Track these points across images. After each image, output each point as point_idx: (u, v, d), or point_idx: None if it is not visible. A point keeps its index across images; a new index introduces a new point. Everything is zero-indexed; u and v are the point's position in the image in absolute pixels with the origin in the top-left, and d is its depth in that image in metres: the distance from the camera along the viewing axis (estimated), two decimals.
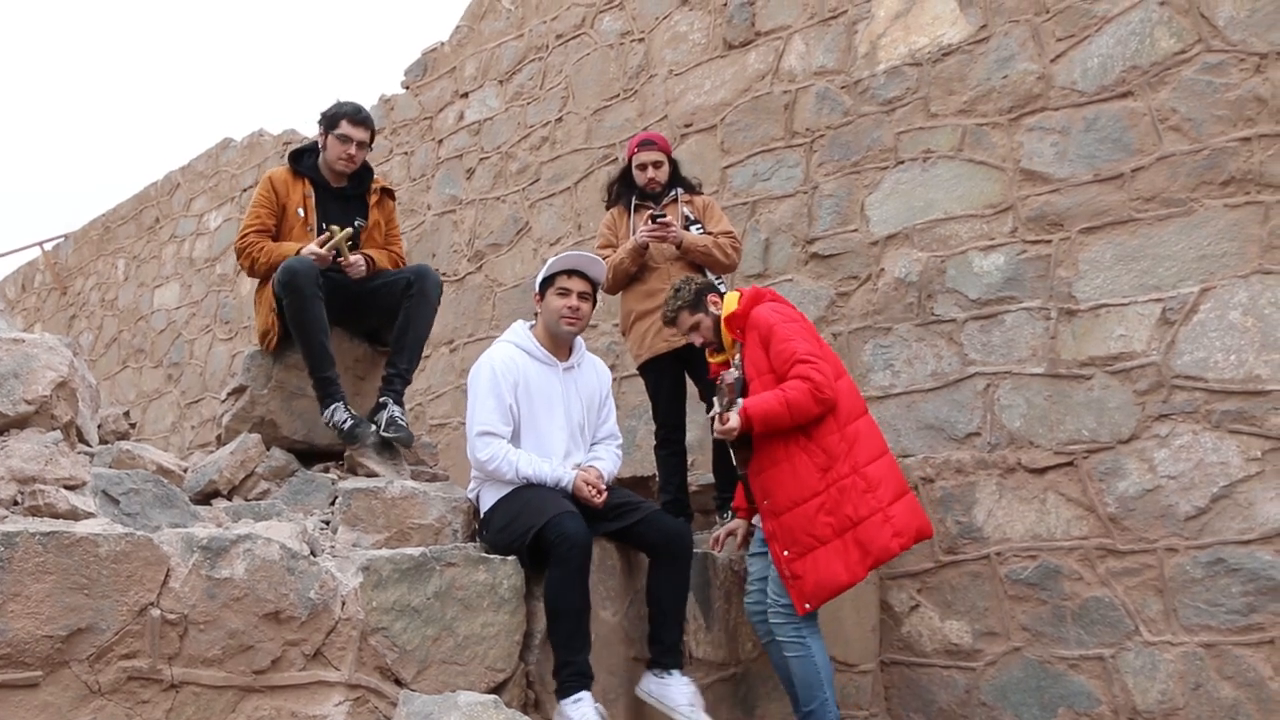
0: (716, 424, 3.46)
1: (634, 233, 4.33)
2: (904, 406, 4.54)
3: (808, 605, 3.47)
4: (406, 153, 7.49)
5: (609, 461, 3.57)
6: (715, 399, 3.49)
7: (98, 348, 10.82)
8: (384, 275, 4.01)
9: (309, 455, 3.95)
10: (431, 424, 6.74)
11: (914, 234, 4.62)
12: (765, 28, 5.34)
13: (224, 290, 9.23)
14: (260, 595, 2.60)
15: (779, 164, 5.18)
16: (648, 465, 5.00)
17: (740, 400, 3.45)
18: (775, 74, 5.27)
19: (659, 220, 4.21)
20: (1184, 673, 3.73)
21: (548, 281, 3.55)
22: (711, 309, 3.79)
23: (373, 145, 4.15)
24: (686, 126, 5.63)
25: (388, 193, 4.25)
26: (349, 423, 3.70)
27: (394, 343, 3.95)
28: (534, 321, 3.64)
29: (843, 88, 4.98)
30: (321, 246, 3.76)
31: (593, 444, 3.62)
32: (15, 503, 2.49)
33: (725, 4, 5.53)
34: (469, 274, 6.80)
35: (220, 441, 4.06)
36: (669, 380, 4.38)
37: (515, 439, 3.43)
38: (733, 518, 4.03)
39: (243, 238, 3.95)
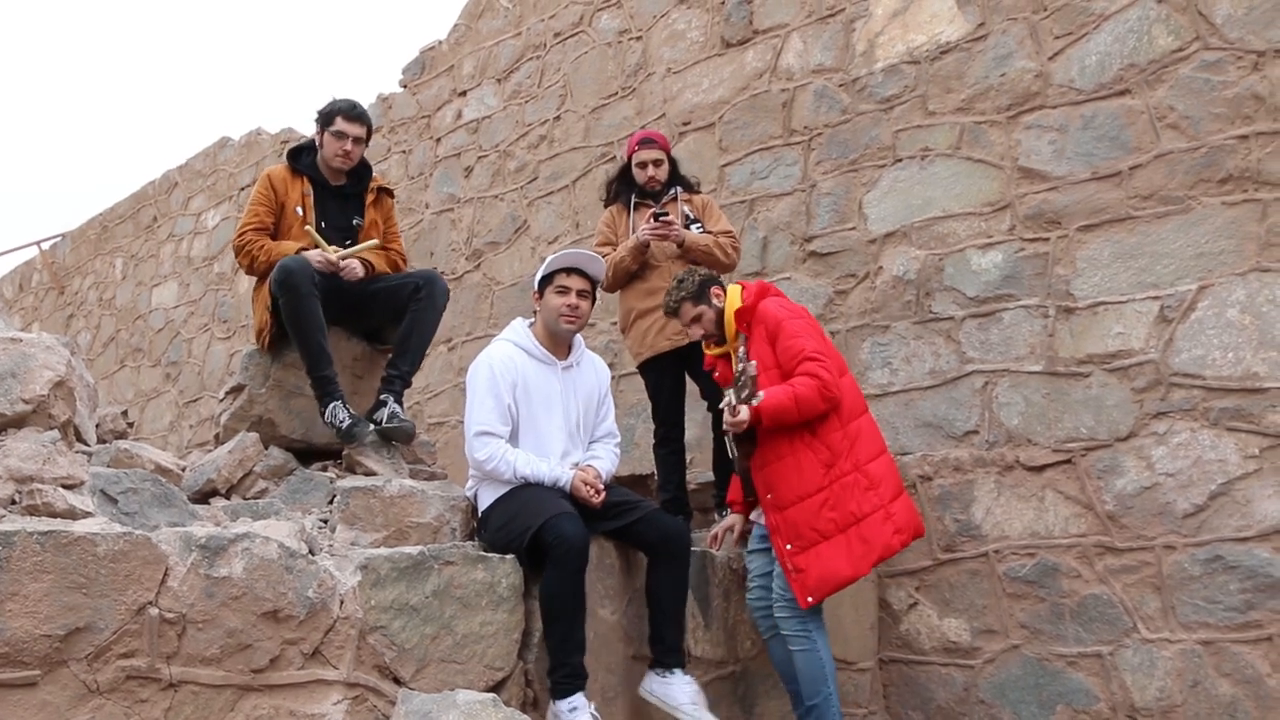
0: (727, 415, 3.46)
1: (634, 231, 4.33)
2: (902, 404, 4.55)
3: (810, 599, 3.48)
4: (404, 151, 7.48)
5: (607, 460, 3.56)
6: (733, 389, 3.44)
7: (95, 347, 10.81)
8: (387, 278, 4.02)
9: (307, 454, 3.95)
10: (430, 422, 6.74)
11: (912, 232, 4.62)
12: (763, 26, 5.34)
13: (222, 289, 9.22)
14: (258, 594, 2.60)
15: (777, 162, 5.18)
16: (646, 464, 5.00)
17: (761, 392, 3.43)
18: (773, 72, 5.27)
19: (661, 218, 4.21)
20: (1182, 670, 3.73)
21: (547, 280, 3.54)
22: (714, 301, 3.79)
23: (370, 142, 4.14)
24: (684, 125, 5.63)
25: (386, 192, 4.24)
26: (347, 422, 3.70)
27: (397, 344, 3.95)
28: (533, 320, 3.63)
29: (841, 86, 4.98)
30: (335, 256, 3.78)
31: (591, 442, 3.62)
32: (13, 502, 2.49)
33: (723, 2, 5.53)
34: (467, 272, 6.80)
35: (218, 440, 4.05)
36: (670, 379, 4.38)
37: (514, 438, 3.43)
38: (728, 513, 4.03)
39: (241, 235, 3.94)
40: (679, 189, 4.48)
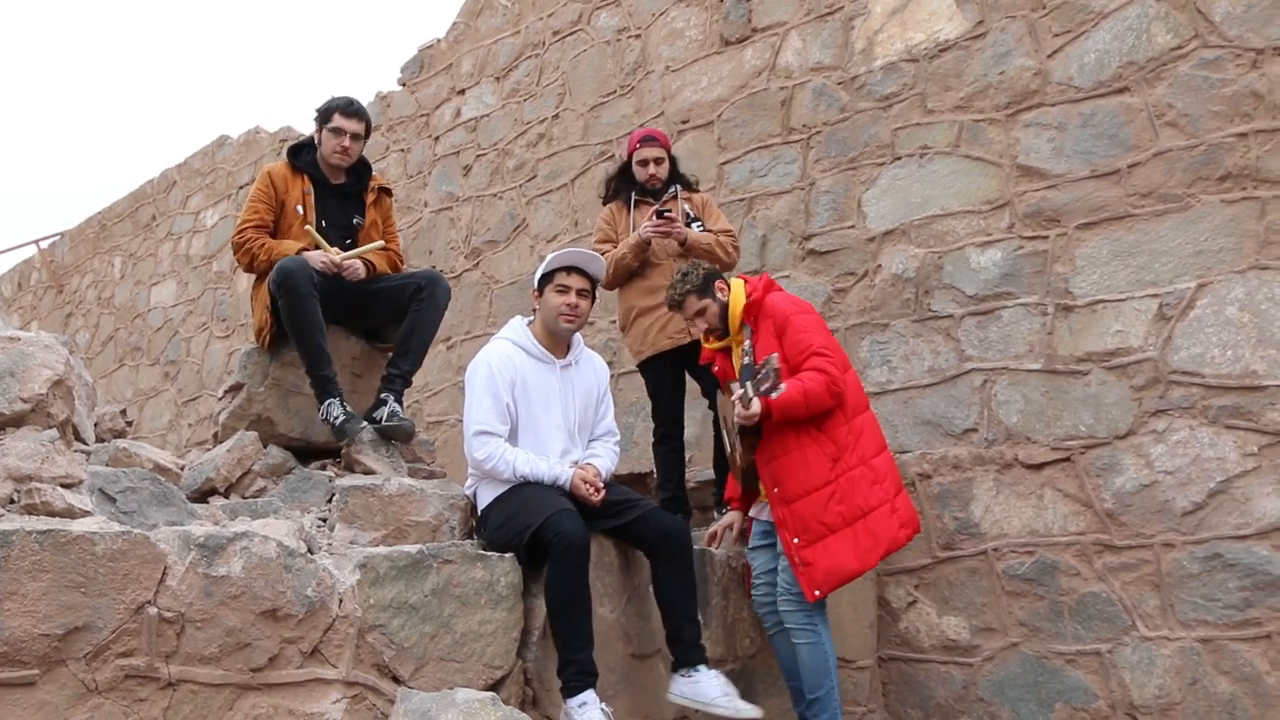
0: (739, 407, 3.46)
1: (635, 229, 4.32)
2: (901, 402, 4.55)
3: (817, 592, 3.50)
4: (403, 150, 7.48)
5: (606, 459, 3.56)
6: (751, 380, 3.44)
7: (94, 346, 10.80)
8: (388, 278, 4.01)
9: (306, 453, 3.94)
10: (429, 421, 6.74)
11: (911, 230, 4.62)
12: (762, 24, 5.34)
13: (221, 288, 9.22)
14: (257, 593, 2.59)
15: (776, 160, 5.18)
16: (645, 462, 5.00)
17: (784, 384, 3.43)
18: (772, 70, 5.27)
19: (664, 216, 4.20)
20: (1181, 668, 3.73)
21: (546, 278, 3.54)
22: (718, 295, 3.79)
23: (368, 139, 4.13)
24: (683, 123, 5.62)
25: (385, 191, 4.23)
26: (341, 418, 3.69)
27: (398, 344, 3.94)
28: (532, 318, 3.63)
29: (839, 84, 4.98)
30: (339, 257, 3.78)
31: (590, 441, 3.62)
32: (12, 501, 2.49)
33: (722, 0, 5.53)
34: (466, 271, 6.79)
35: (217, 439, 4.05)
36: (670, 377, 4.38)
37: (513, 437, 3.43)
38: (726, 511, 4.03)
39: (240, 232, 3.93)
40: (679, 187, 4.48)
